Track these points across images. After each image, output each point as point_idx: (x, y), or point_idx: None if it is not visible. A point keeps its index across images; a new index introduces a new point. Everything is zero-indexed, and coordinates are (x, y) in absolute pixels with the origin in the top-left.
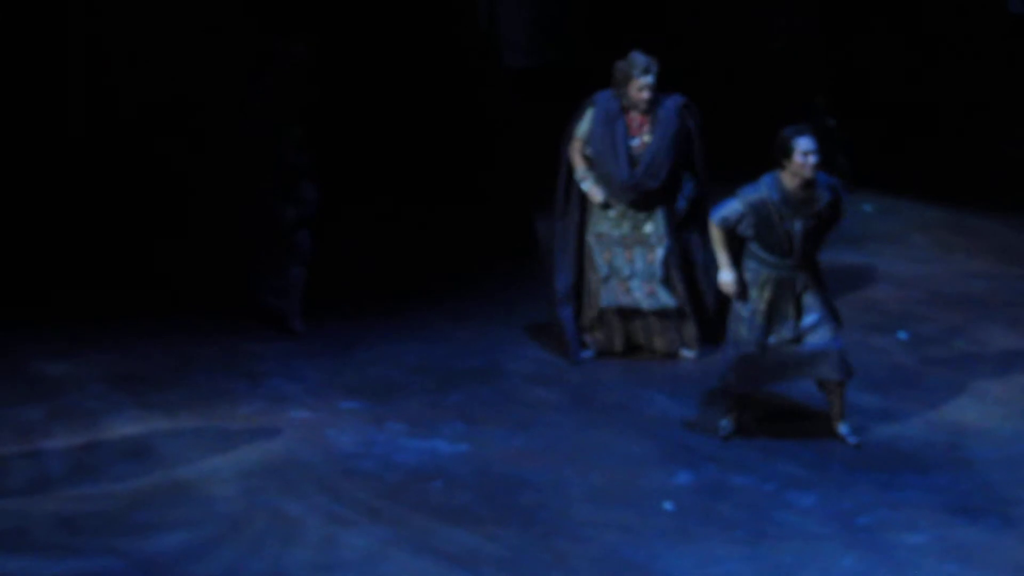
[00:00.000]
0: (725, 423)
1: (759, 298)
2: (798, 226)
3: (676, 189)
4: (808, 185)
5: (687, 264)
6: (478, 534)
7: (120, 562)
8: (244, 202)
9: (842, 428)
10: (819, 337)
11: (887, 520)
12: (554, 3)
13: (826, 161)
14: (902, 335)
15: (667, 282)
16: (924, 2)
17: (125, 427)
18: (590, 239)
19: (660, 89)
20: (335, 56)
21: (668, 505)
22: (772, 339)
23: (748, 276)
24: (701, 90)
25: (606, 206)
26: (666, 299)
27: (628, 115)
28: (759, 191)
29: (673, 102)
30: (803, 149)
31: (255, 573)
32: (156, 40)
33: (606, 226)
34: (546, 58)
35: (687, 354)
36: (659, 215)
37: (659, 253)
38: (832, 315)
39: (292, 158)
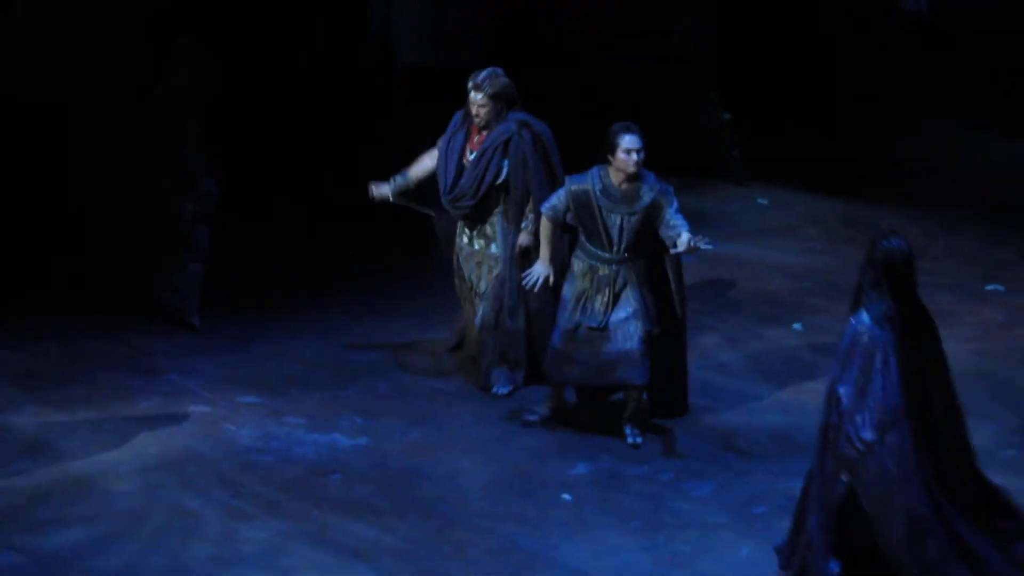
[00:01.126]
0: (540, 411)
1: (577, 287)
2: (617, 220)
3: (513, 211)
4: (631, 181)
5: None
6: (377, 527)
7: (20, 558)
8: (143, 198)
9: (626, 428)
10: (623, 335)
11: (783, 509)
12: (451, 1)
13: (720, 155)
14: (797, 326)
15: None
16: None
17: (23, 423)
18: (455, 253)
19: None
20: (233, 53)
21: (566, 496)
22: (581, 330)
23: (573, 264)
24: (597, 85)
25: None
26: (482, 317)
27: (472, 129)
28: (583, 181)
29: (510, 123)
30: (626, 146)
31: (155, 568)
32: (54, 38)
33: (463, 240)
34: (442, 57)
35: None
36: (500, 237)
37: (495, 272)
38: (645, 317)
39: (190, 154)
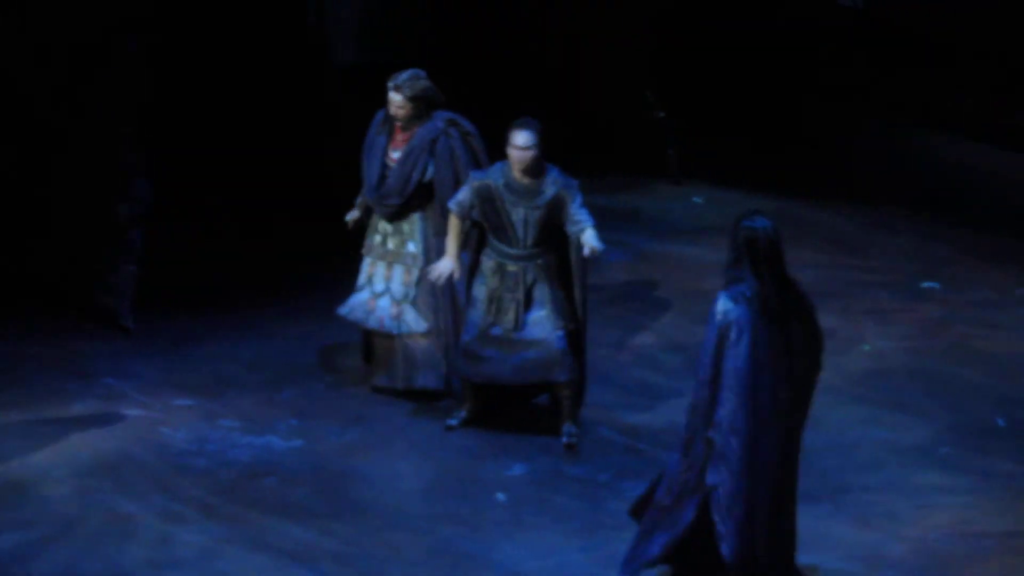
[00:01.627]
0: (459, 414)
1: (488, 285)
2: (521, 214)
3: (437, 210)
4: (532, 175)
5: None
6: (313, 529)
7: None
8: (77, 200)
9: (564, 427)
10: (540, 334)
11: None
12: None
13: (656, 153)
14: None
15: (416, 305)
16: None
17: None
18: (363, 250)
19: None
20: (168, 53)
21: (501, 496)
22: (496, 329)
23: (482, 263)
24: (538, 84)
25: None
26: (413, 323)
27: (395, 128)
28: (486, 175)
29: (437, 122)
30: (515, 143)
31: (91, 572)
32: None
33: (377, 239)
34: (379, 55)
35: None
36: (420, 236)
37: (414, 274)
38: (560, 313)
39: (125, 156)
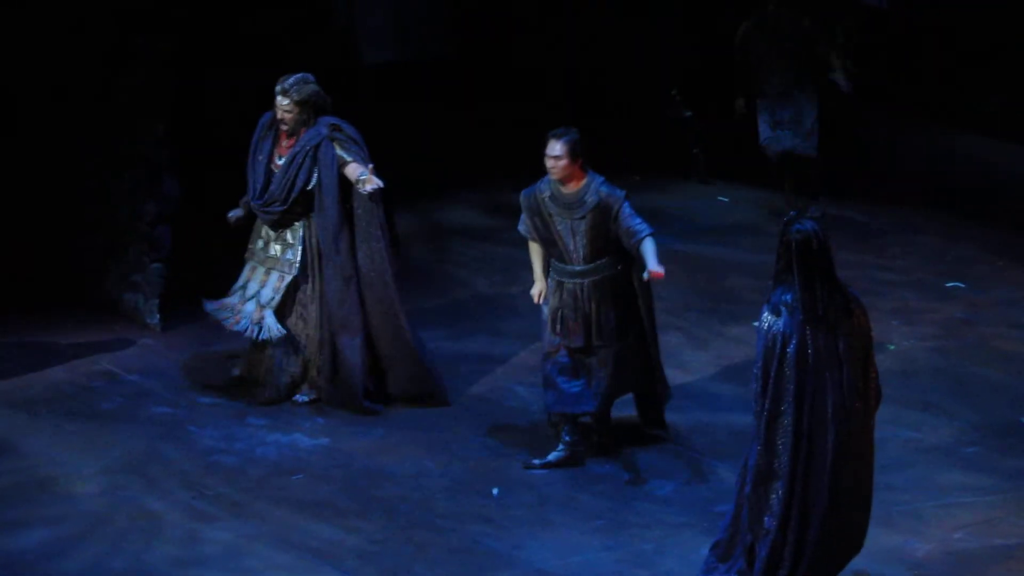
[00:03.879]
0: (552, 456)
1: (552, 305)
2: (567, 226)
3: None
4: (569, 185)
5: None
6: (340, 527)
7: None
8: (106, 197)
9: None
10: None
11: None
12: None
13: (682, 153)
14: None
15: (279, 311)
16: None
17: None
18: (246, 254)
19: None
20: (197, 52)
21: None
22: (563, 356)
23: (548, 283)
24: (565, 83)
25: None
26: (273, 328)
27: (280, 134)
28: (533, 188)
29: (320, 127)
30: (547, 152)
31: (118, 570)
32: (17, 36)
33: (259, 244)
34: (408, 54)
35: (300, 399)
36: (299, 243)
37: (286, 281)
38: (612, 337)
39: (154, 154)
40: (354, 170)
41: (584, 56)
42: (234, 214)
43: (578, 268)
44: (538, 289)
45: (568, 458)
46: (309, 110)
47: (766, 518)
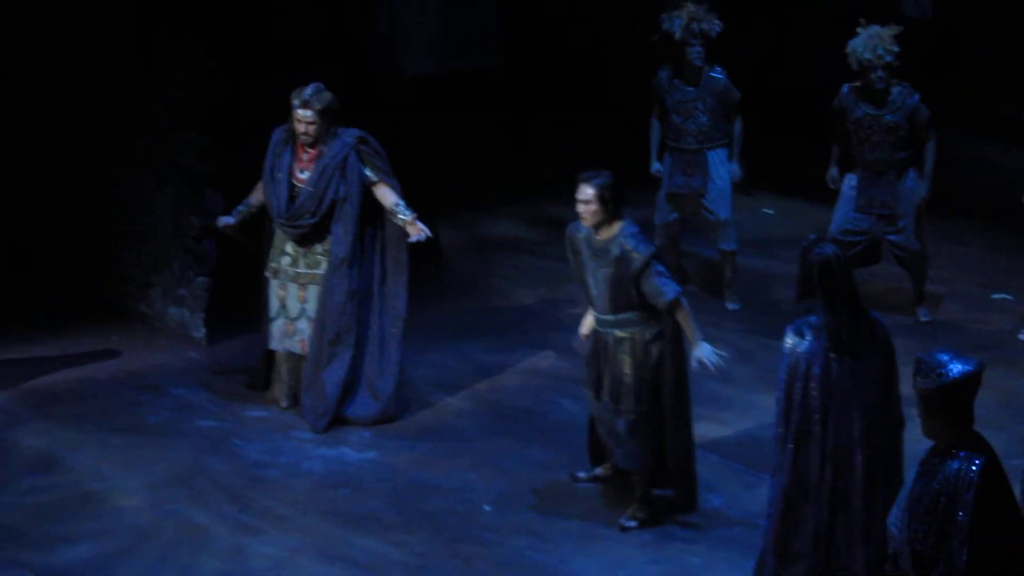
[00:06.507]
0: (598, 469)
1: (589, 348)
2: (593, 271)
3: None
4: (599, 230)
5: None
6: (386, 541)
7: (28, 575)
8: (149, 211)
9: (623, 519)
10: (611, 413)
11: None
12: (462, 9)
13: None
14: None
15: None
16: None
17: (31, 440)
18: (267, 274)
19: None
20: (238, 63)
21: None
22: (597, 404)
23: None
24: (609, 96)
25: (272, 237)
26: None
27: (298, 147)
28: (577, 225)
29: (345, 138)
30: (577, 196)
31: None
32: (55, 49)
33: (285, 261)
34: (448, 64)
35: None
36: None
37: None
38: (633, 396)
39: (195, 167)
40: (386, 196)
41: (631, 65)
42: (225, 221)
43: (603, 317)
44: (587, 326)
45: (614, 472)
46: (328, 119)
47: (796, 542)
